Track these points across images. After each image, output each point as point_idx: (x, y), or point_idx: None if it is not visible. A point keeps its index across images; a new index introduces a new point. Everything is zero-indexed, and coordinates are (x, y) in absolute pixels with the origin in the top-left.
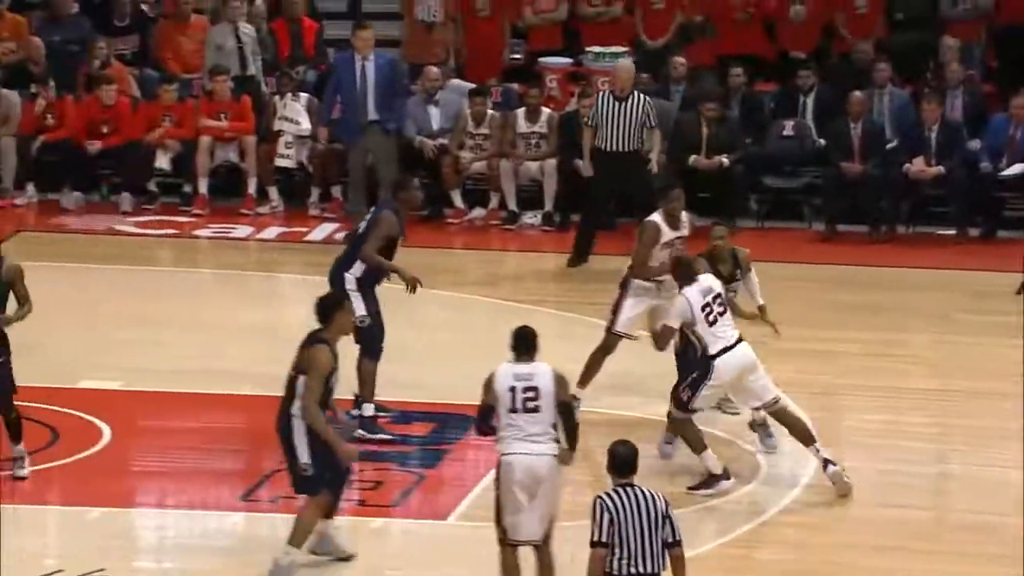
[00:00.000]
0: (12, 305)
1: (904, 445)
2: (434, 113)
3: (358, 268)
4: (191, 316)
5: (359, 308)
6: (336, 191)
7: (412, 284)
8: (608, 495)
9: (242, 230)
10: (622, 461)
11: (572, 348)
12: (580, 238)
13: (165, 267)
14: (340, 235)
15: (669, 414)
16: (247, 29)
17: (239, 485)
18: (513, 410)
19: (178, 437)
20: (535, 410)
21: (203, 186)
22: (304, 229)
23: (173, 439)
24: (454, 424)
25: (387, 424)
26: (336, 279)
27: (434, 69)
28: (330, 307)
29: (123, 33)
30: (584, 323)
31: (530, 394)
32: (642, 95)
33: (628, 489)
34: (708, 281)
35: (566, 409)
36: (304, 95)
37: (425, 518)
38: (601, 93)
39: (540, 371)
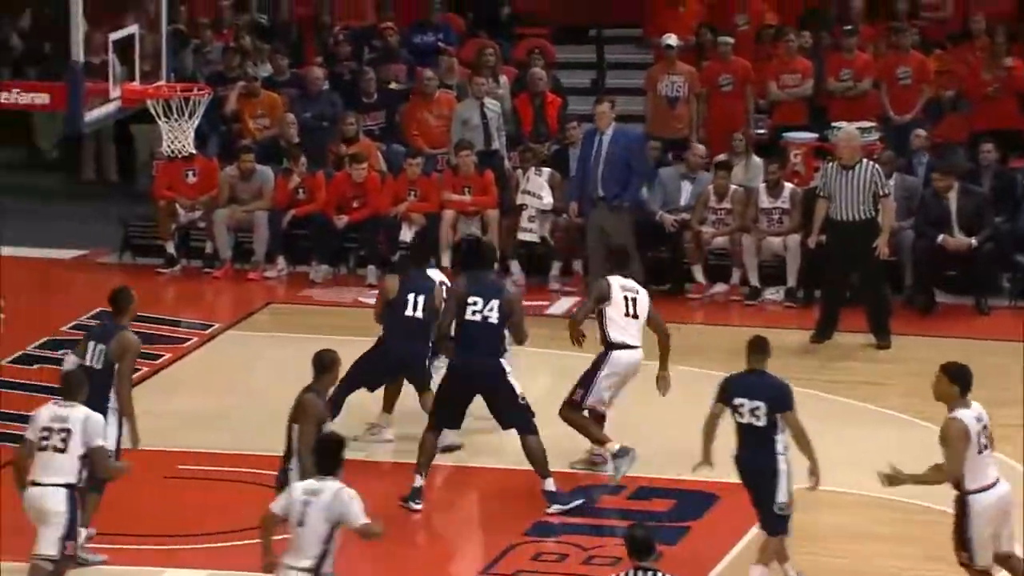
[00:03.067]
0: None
1: None
2: (686, 188)
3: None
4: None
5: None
6: (577, 265)
7: None
8: None
9: None
10: (640, 544)
11: (820, 426)
12: (824, 313)
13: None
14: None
15: None
16: (492, 105)
17: (478, 558)
18: None
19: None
20: None
21: (446, 259)
22: (545, 303)
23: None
24: (694, 501)
25: (625, 501)
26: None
27: (701, 147)
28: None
29: (371, 109)
30: (827, 400)
31: None
32: (870, 163)
33: (648, 572)
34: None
35: None
36: (546, 169)
37: None
38: (829, 164)
39: None
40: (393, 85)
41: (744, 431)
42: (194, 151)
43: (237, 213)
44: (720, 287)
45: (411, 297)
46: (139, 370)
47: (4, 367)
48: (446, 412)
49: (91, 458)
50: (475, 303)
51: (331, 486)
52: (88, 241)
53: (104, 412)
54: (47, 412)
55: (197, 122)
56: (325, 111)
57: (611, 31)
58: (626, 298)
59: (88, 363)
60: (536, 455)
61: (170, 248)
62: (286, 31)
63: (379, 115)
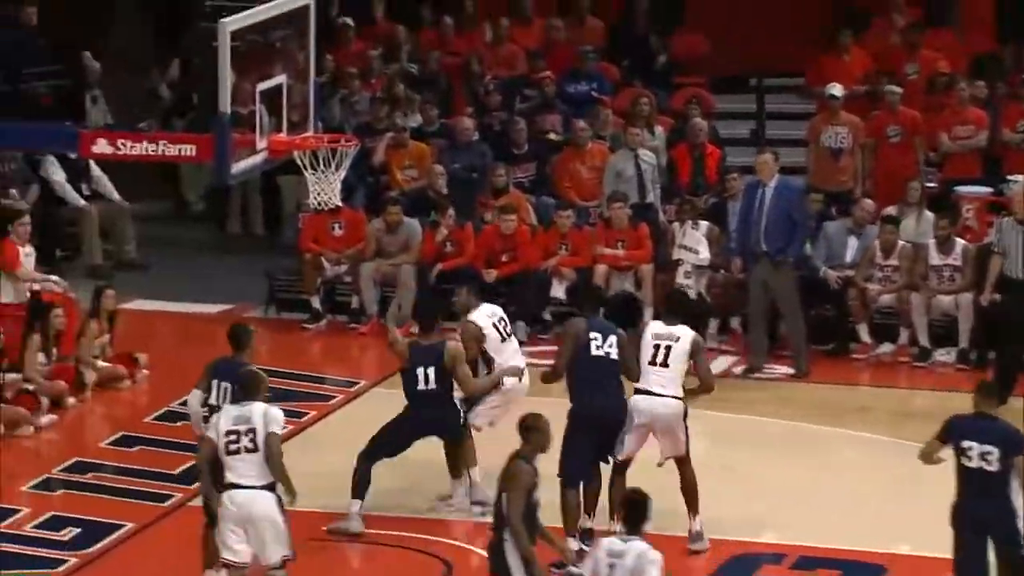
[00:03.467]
0: None
1: None
2: (852, 244)
3: None
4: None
5: None
6: (735, 322)
7: None
8: None
9: None
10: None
11: None
12: (999, 376)
13: (562, 398)
14: (738, 369)
15: None
16: (647, 156)
17: None
18: None
19: None
20: None
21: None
22: None
23: None
24: (861, 572)
25: (787, 571)
26: None
27: (869, 201)
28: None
29: (521, 160)
30: None
31: None
32: None
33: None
34: None
35: None
36: (704, 223)
37: None
38: (1003, 218)
39: None
40: (552, 136)
41: (972, 476)
42: (341, 203)
43: (383, 267)
44: (887, 347)
45: (421, 371)
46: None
47: (147, 424)
48: (578, 462)
49: (265, 443)
50: (596, 338)
51: (636, 547)
52: (233, 295)
53: None
54: (227, 415)
55: (344, 174)
56: (475, 162)
57: (772, 80)
58: (657, 345)
59: (214, 401)
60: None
61: (315, 303)
62: (435, 81)
63: (530, 166)
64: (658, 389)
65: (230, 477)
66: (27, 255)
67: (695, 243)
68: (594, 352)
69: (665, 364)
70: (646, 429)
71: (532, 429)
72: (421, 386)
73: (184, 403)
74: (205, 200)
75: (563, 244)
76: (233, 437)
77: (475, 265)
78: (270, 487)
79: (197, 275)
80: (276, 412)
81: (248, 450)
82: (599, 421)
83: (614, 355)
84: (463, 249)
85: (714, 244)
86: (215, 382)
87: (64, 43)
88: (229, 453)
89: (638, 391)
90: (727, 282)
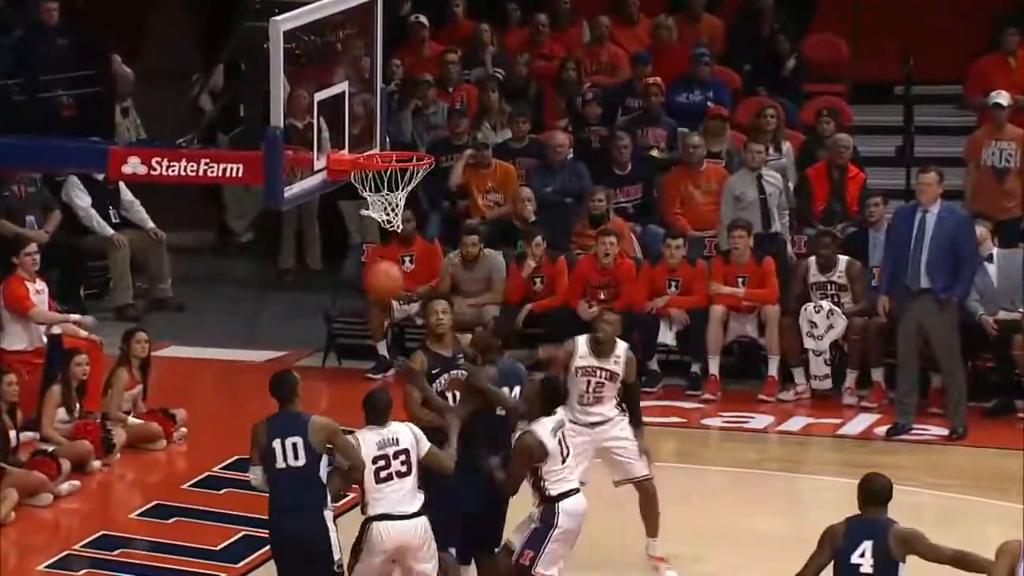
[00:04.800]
0: None
1: None
2: (1018, 281)
3: None
4: (696, 521)
5: None
6: (877, 375)
7: None
8: None
9: (760, 419)
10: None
11: None
12: None
13: (668, 462)
14: (881, 429)
15: None
16: (772, 177)
17: None
18: None
19: None
20: None
21: (714, 366)
22: (837, 420)
23: None
24: None
25: None
26: None
27: None
28: None
29: (625, 183)
30: None
31: None
32: None
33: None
34: None
35: None
36: (843, 258)
37: None
38: None
39: None
40: (656, 153)
41: None
42: (401, 225)
43: (462, 307)
44: None
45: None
46: (344, 496)
47: (185, 492)
48: None
49: (427, 460)
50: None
51: None
52: (286, 340)
53: (322, 516)
54: (372, 439)
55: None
56: (569, 185)
57: (921, 88)
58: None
59: (282, 464)
60: None
61: (382, 348)
62: (524, 89)
63: (634, 189)
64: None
65: (379, 509)
66: (38, 292)
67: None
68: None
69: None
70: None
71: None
72: None
73: (230, 467)
74: (253, 229)
75: (673, 280)
76: (382, 463)
77: (571, 305)
78: (422, 513)
79: (243, 317)
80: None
81: (401, 474)
82: None
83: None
84: (555, 287)
85: (855, 282)
86: (277, 442)
87: (90, 45)
88: (380, 481)
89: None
90: (867, 327)
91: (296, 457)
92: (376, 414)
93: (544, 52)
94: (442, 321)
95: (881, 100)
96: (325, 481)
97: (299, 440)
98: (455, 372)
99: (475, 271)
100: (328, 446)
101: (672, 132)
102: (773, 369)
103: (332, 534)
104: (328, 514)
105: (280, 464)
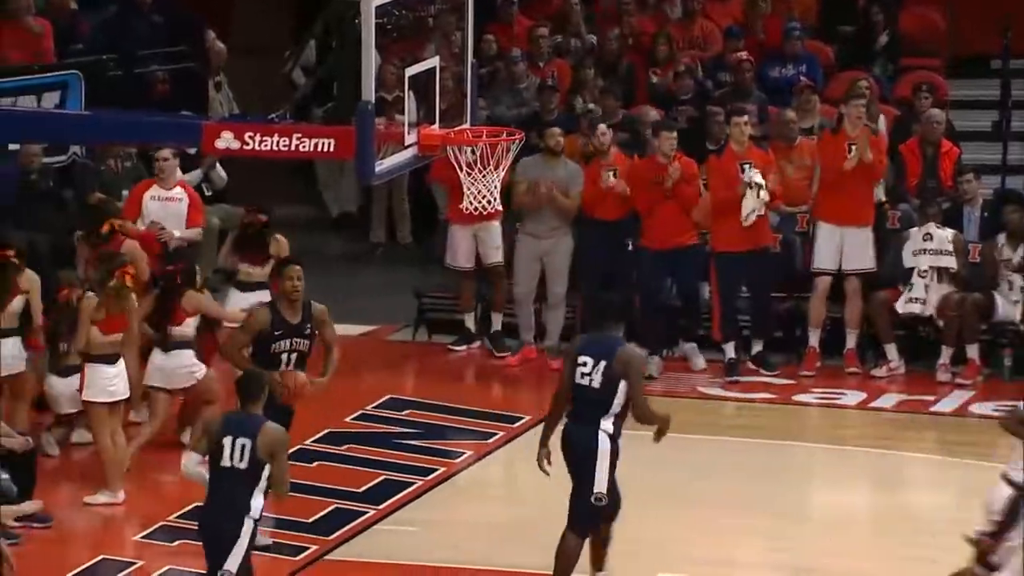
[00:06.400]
0: None
1: None
2: None
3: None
4: (787, 499)
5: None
6: (972, 351)
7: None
8: None
9: (852, 396)
10: None
11: None
12: None
13: (762, 439)
14: (976, 407)
15: None
16: None
17: None
18: None
19: None
20: None
21: (814, 339)
22: (930, 398)
23: None
24: None
25: None
26: None
27: None
28: None
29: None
30: None
31: None
32: None
33: None
34: None
35: None
36: (950, 230)
37: None
38: None
39: None
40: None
41: None
42: (501, 208)
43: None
44: None
45: None
46: (434, 470)
47: None
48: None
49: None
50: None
51: None
52: (376, 315)
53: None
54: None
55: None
56: None
57: (1019, 62)
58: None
59: (229, 463)
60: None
61: (469, 322)
62: (615, 64)
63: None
64: None
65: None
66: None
67: (942, 244)
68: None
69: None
70: None
71: None
72: None
73: (322, 440)
74: (346, 204)
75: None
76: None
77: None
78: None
79: (335, 291)
80: None
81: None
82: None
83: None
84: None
85: (959, 255)
86: (228, 440)
87: (184, 20)
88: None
89: None
90: (964, 302)
91: (241, 459)
92: (246, 396)
93: (634, 27)
94: (297, 288)
95: (978, 74)
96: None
97: (247, 443)
98: (297, 340)
99: (555, 170)
100: (270, 456)
101: (763, 107)
102: (852, 343)
103: (243, 543)
104: (248, 524)
105: (225, 462)
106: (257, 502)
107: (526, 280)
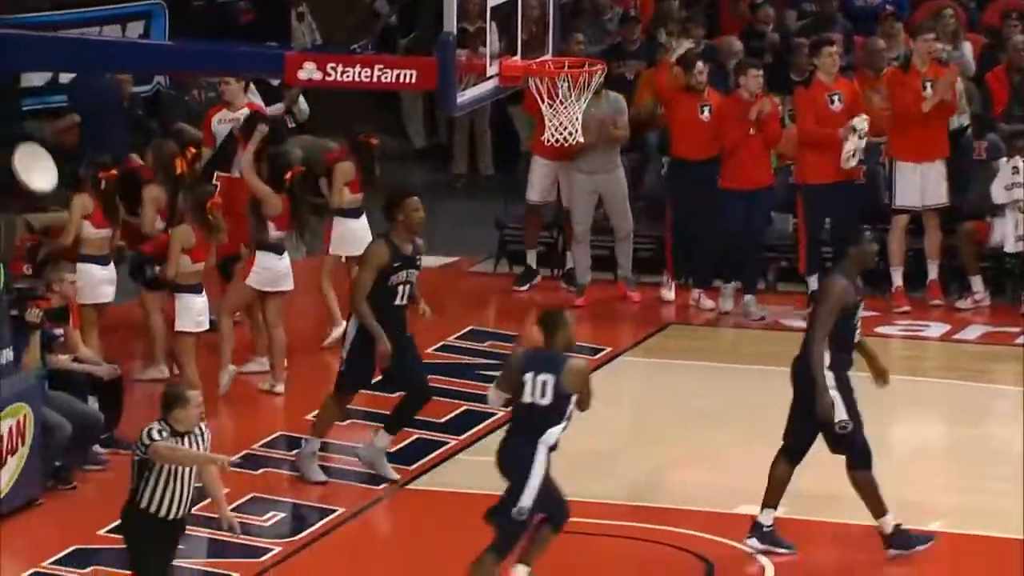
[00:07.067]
0: None
1: None
2: None
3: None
4: (868, 430)
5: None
6: None
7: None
8: None
9: (936, 328)
10: None
11: None
12: None
13: None
14: None
15: None
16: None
17: None
18: None
19: None
20: None
21: (898, 277)
22: (1015, 329)
23: None
24: None
25: None
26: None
27: None
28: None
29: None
30: None
31: None
32: None
33: None
34: None
35: None
36: None
37: None
38: None
39: None
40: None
41: None
42: (583, 140)
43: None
44: None
45: None
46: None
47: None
48: None
49: None
50: None
51: None
52: (459, 246)
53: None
54: None
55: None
56: None
57: None
58: None
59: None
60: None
61: (531, 258)
62: None
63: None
64: None
65: None
66: None
67: None
68: None
69: None
70: None
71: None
72: None
73: None
74: (428, 135)
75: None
76: None
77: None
78: None
79: None
80: None
81: None
82: None
83: None
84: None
85: None
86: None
87: None
88: None
89: None
90: None
91: (543, 395)
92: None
93: None
94: (424, 218)
95: None
96: None
97: (550, 379)
98: (411, 272)
99: (599, 107)
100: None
101: (848, 36)
102: (933, 274)
103: (538, 472)
104: (542, 451)
105: (526, 398)
106: (555, 431)
107: (585, 218)
